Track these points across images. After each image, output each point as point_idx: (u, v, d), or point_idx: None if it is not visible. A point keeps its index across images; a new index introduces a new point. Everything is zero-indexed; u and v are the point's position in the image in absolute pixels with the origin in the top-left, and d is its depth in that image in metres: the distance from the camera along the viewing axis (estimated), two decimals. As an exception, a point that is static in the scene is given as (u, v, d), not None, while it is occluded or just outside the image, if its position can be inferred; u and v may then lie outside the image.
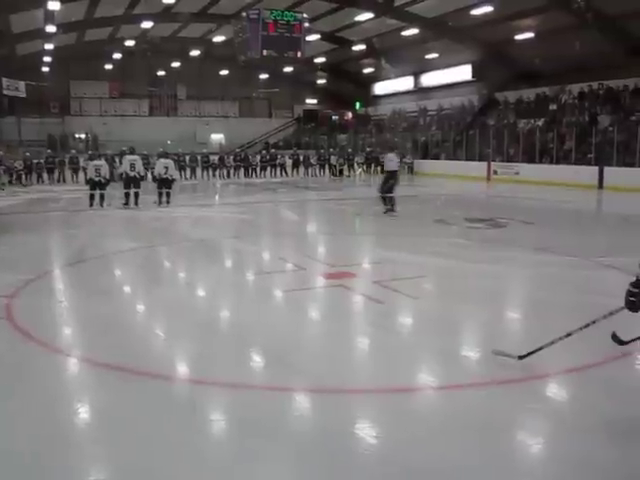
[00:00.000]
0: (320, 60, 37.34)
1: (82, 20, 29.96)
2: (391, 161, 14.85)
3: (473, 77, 32.26)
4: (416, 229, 12.33)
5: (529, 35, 25.69)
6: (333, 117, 45.09)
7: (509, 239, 11.06)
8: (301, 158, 30.23)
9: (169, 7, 28.20)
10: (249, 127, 42.54)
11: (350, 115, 44.80)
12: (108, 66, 38.37)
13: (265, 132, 43.87)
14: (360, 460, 3.34)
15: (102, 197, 15.81)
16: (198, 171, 28.37)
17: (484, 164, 26.68)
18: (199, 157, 28.71)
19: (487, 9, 24.54)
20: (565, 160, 23.46)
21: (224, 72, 39.86)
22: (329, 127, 43.30)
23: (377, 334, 5.51)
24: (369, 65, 38.64)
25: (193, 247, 10.56)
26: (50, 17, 25.63)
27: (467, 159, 28.33)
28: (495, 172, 26.04)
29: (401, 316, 6.22)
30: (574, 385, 4.38)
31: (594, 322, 4.16)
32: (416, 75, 36.76)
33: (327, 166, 29.88)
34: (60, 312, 6.40)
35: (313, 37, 28.67)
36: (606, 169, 20.98)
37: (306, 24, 24.71)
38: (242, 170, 29.06)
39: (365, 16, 28.81)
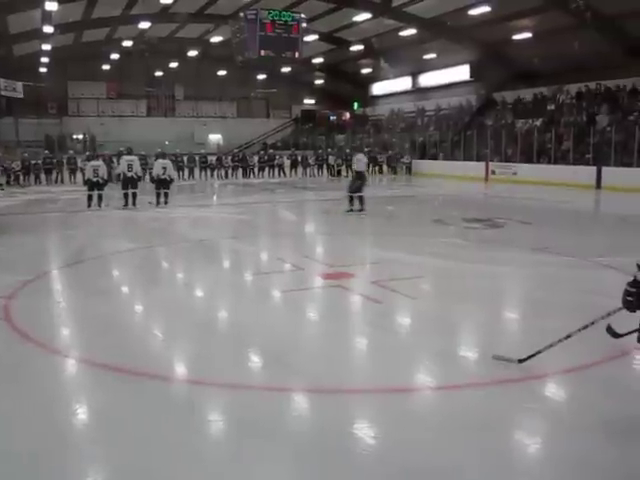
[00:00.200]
0: (318, 60, 37.34)
1: (79, 21, 29.93)
2: (359, 161, 15.28)
3: (471, 77, 32.28)
4: (414, 229, 12.33)
5: (527, 35, 25.70)
6: (331, 117, 45.10)
7: (507, 239, 11.06)
8: (299, 158, 30.24)
9: (166, 7, 28.19)
10: (247, 127, 42.52)
11: (348, 115, 44.80)
12: (106, 67, 38.34)
13: (263, 132, 43.86)
14: (358, 460, 3.34)
15: (100, 198, 15.79)
16: (196, 171, 28.37)
17: (482, 164, 26.71)
18: (197, 157, 28.71)
19: (485, 9, 24.54)
20: (563, 160, 23.49)
21: (222, 72, 39.84)
22: (327, 127, 43.31)
23: (375, 334, 5.52)
24: (367, 65, 38.65)
25: (191, 248, 10.56)
26: (47, 18, 25.59)
27: (465, 159, 28.35)
28: (493, 172, 26.06)
29: (399, 316, 6.22)
30: (572, 385, 4.39)
31: (592, 323, 4.16)
32: (414, 75, 36.78)
33: (325, 166, 29.86)
34: (58, 313, 6.40)
35: (311, 37, 28.66)
36: (604, 169, 21.01)
37: (304, 24, 24.68)
38: (240, 170, 29.07)
39: (363, 16, 28.82)
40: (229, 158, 29.74)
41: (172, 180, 16.77)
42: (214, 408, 4.08)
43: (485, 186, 24.60)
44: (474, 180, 25.68)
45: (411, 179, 28.45)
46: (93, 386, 4.41)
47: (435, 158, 30.69)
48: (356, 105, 44.41)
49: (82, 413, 3.99)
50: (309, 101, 47.00)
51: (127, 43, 32.96)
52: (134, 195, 15.96)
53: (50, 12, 24.42)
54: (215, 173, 28.87)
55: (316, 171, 30.12)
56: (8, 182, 24.55)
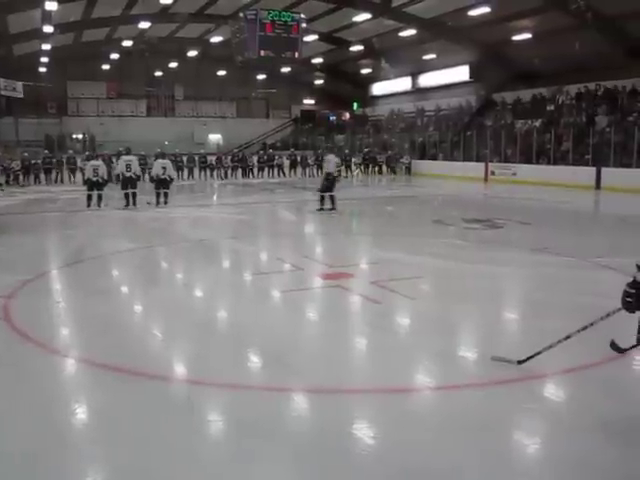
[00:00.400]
0: (318, 60, 37.34)
1: (79, 20, 29.92)
2: (329, 162, 15.58)
3: (471, 78, 32.27)
4: (413, 229, 12.33)
5: (526, 36, 25.70)
6: (331, 118, 45.09)
7: (506, 240, 11.07)
8: (298, 158, 30.24)
9: (166, 7, 28.18)
10: (247, 127, 42.51)
11: (348, 116, 44.79)
12: (105, 66, 38.33)
13: (263, 132, 43.85)
14: (358, 461, 3.34)
15: (100, 198, 15.79)
16: (196, 171, 28.37)
17: (481, 165, 26.71)
18: (197, 157, 28.70)
19: (484, 10, 24.54)
20: (562, 161, 23.49)
21: (221, 72, 39.84)
22: (327, 128, 43.31)
23: (374, 334, 5.52)
24: (367, 66, 38.64)
25: (191, 248, 10.56)
26: (47, 17, 25.59)
27: (464, 160, 28.36)
28: (492, 173, 26.07)
29: (398, 316, 6.23)
30: (572, 385, 4.39)
31: (592, 324, 4.17)
32: (414, 76, 36.77)
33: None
34: (58, 313, 6.40)
35: (311, 37, 28.66)
36: (603, 170, 21.02)
37: (304, 24, 24.67)
38: (240, 170, 29.06)
39: (363, 17, 28.81)
40: (229, 158, 29.74)
41: (172, 180, 16.78)
42: (213, 408, 4.09)
43: (485, 186, 24.61)
44: (474, 180, 25.69)
45: (410, 179, 28.45)
46: (92, 386, 4.42)
47: (435, 158, 30.69)
48: (356, 105, 44.40)
49: (81, 413, 3.99)
50: (309, 101, 47.00)
51: (127, 43, 32.94)
52: (134, 195, 15.97)
53: (50, 12, 24.41)
54: (215, 173, 28.87)
55: (315, 171, 30.10)
56: (8, 182, 24.54)
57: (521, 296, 7.27)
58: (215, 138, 42.20)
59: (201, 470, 3.25)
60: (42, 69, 35.36)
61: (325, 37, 33.19)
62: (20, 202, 18.68)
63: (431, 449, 3.44)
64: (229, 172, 28.97)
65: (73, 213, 15.40)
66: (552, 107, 27.28)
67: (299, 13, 24.90)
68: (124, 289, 7.79)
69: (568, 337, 4.25)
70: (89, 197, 15.79)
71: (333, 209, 14.66)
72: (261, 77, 41.45)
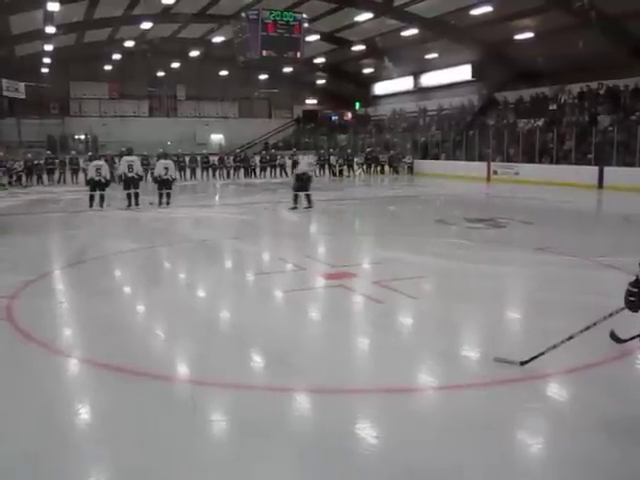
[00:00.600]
0: (320, 60, 37.34)
1: (81, 21, 29.95)
2: (300, 163, 16.29)
3: (473, 77, 32.24)
4: (416, 229, 12.32)
5: (529, 35, 25.68)
6: (333, 117, 45.08)
7: (509, 239, 11.06)
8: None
9: (168, 8, 28.19)
10: (249, 128, 42.51)
11: (350, 115, 44.77)
12: (108, 67, 38.37)
13: (265, 132, 43.86)
14: (361, 461, 3.34)
15: (102, 198, 15.81)
16: (198, 172, 28.40)
17: (484, 164, 26.68)
18: (199, 158, 28.72)
19: (487, 9, 24.53)
20: (565, 160, 23.46)
21: (224, 73, 39.85)
22: (329, 127, 43.30)
23: (377, 334, 5.51)
24: (369, 65, 38.64)
25: (193, 248, 10.56)
26: (49, 18, 25.62)
27: (467, 159, 28.32)
28: (495, 172, 26.04)
29: (401, 316, 6.22)
30: (575, 385, 4.38)
31: (595, 324, 4.16)
32: (416, 75, 36.74)
33: (327, 166, 29.87)
34: (60, 313, 6.41)
35: (312, 37, 28.64)
36: (606, 169, 20.98)
37: (305, 24, 24.66)
38: (242, 171, 29.08)
39: (364, 16, 28.80)
40: (231, 158, 29.75)
41: (174, 180, 16.79)
42: (216, 408, 4.08)
43: (487, 186, 24.58)
44: (476, 180, 25.66)
45: (413, 179, 28.44)
46: (95, 386, 4.42)
47: (437, 158, 30.67)
48: (358, 105, 44.38)
49: (84, 413, 3.99)
50: (311, 101, 47.00)
51: (129, 43, 32.97)
52: (136, 195, 15.99)
53: (52, 12, 24.44)
54: (217, 173, 28.89)
55: (318, 171, 30.10)
56: (10, 182, 24.57)
57: (524, 296, 7.26)
58: (217, 138, 42.23)
59: (204, 470, 3.25)
60: (44, 70, 35.40)
61: (327, 37, 33.18)
62: (23, 203, 18.70)
63: (434, 449, 3.44)
64: (231, 172, 28.99)
65: (75, 213, 15.41)
66: (554, 106, 27.24)
67: (301, 13, 24.89)
68: (126, 289, 7.79)
69: (571, 337, 4.24)
70: (91, 197, 15.80)
71: (309, 207, 15.07)
72: (263, 77, 41.46)
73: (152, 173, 18.15)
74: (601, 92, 25.67)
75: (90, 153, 23.96)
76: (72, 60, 35.96)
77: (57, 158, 27.58)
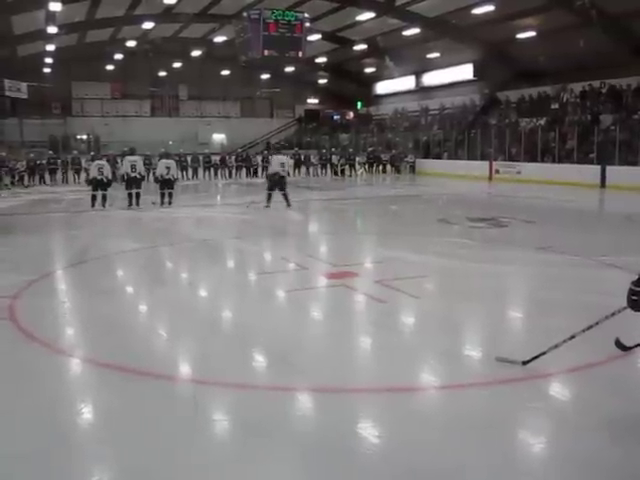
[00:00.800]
0: (321, 60, 37.33)
1: (83, 21, 29.99)
2: (271, 163, 16.58)
3: (475, 76, 32.23)
4: (418, 228, 12.33)
5: (530, 34, 25.64)
6: (335, 117, 45.08)
7: (511, 238, 11.06)
8: (302, 158, 30.26)
9: (170, 8, 28.20)
10: (251, 127, 42.52)
11: (352, 115, 44.77)
12: (109, 67, 38.42)
13: (267, 132, 43.85)
14: (363, 460, 3.34)
15: (104, 198, 15.82)
16: (200, 171, 28.42)
17: (486, 163, 26.68)
18: (201, 157, 28.75)
19: (488, 8, 24.50)
20: (567, 159, 23.45)
21: (225, 72, 39.87)
22: (331, 127, 43.30)
23: (379, 334, 5.51)
24: (370, 65, 38.64)
25: (195, 247, 10.57)
26: (51, 18, 25.65)
27: (469, 158, 28.33)
28: (497, 171, 26.03)
29: (403, 315, 6.22)
30: (577, 384, 4.38)
31: (597, 323, 4.15)
32: (417, 74, 36.74)
33: (329, 166, 29.88)
34: (63, 313, 6.42)
35: (314, 37, 28.64)
36: (608, 168, 20.96)
37: (307, 24, 24.66)
38: (244, 170, 29.08)
39: (366, 16, 28.79)
40: (233, 158, 29.76)
41: (176, 180, 16.80)
42: (218, 408, 4.09)
43: (489, 185, 24.57)
44: (478, 179, 25.65)
45: (415, 178, 28.44)
46: (98, 386, 4.42)
47: (439, 157, 30.66)
48: (360, 104, 44.38)
49: (87, 413, 4.00)
50: (313, 101, 47.00)
51: (131, 43, 32.98)
52: (137, 195, 16.01)
53: (54, 13, 24.47)
54: (219, 173, 28.91)
55: (320, 171, 30.11)
56: (13, 182, 24.58)
57: (526, 295, 7.25)
58: (219, 138, 42.26)
59: (206, 470, 3.25)
60: (46, 70, 35.44)
61: (329, 36, 33.18)
62: (25, 203, 18.72)
63: (437, 448, 3.43)
64: (233, 172, 29.00)
65: (78, 213, 15.42)
66: (556, 105, 27.22)
67: (303, 12, 24.90)
68: (129, 289, 7.79)
69: (573, 337, 4.24)
70: (93, 197, 15.81)
71: (288, 205, 15.40)
72: (265, 77, 41.47)
73: (154, 173, 18.16)
74: (603, 91, 25.64)
75: (92, 153, 24.02)
76: (74, 60, 36.00)
77: (59, 158, 27.64)
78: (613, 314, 4.03)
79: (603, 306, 4.28)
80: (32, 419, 3.80)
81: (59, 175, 26.68)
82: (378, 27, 30.51)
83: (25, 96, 34.54)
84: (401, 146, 33.30)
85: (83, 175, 24.30)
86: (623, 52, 23.09)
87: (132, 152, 17.07)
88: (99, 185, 15.82)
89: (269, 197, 15.66)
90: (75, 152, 29.17)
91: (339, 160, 29.88)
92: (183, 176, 26.28)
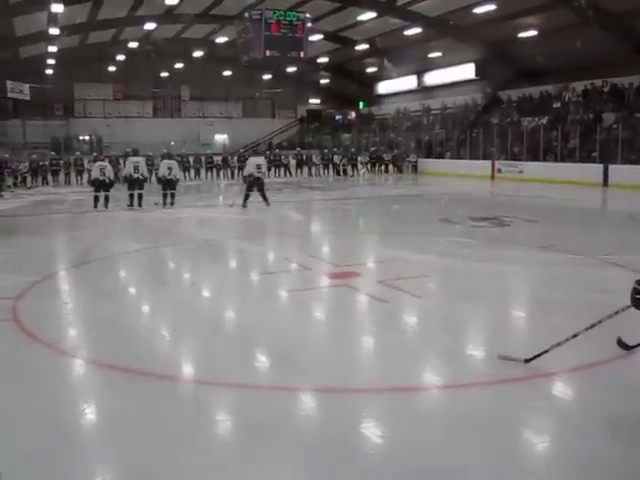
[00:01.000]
0: (323, 60, 37.33)
1: (85, 22, 30.02)
2: (247, 165, 16.70)
3: (476, 76, 32.22)
4: (420, 228, 12.32)
5: (532, 33, 25.63)
6: (336, 117, 45.09)
7: (513, 238, 11.05)
8: (304, 158, 30.27)
9: (172, 8, 28.25)
10: (253, 127, 42.54)
11: (353, 115, 44.77)
12: (111, 68, 38.47)
13: (269, 132, 43.90)
14: (366, 460, 3.34)
15: (106, 199, 15.84)
16: (202, 172, 28.44)
17: (488, 163, 26.66)
18: (203, 158, 28.77)
19: (490, 7, 24.48)
20: (569, 158, 23.43)
21: (227, 73, 39.90)
22: (332, 127, 43.30)
23: (382, 333, 5.51)
24: (372, 64, 38.64)
25: (197, 248, 10.57)
26: (53, 20, 25.68)
27: (471, 158, 28.32)
28: (499, 171, 26.02)
29: (406, 315, 6.21)
30: (580, 383, 4.37)
31: (600, 322, 4.14)
32: (419, 74, 36.73)
33: (331, 166, 29.88)
34: (65, 313, 6.42)
35: (316, 37, 28.63)
36: (611, 167, 20.93)
37: (309, 24, 24.65)
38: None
39: (368, 15, 28.79)
40: (235, 158, 29.77)
41: (178, 181, 16.81)
42: (221, 408, 4.09)
43: (491, 184, 24.55)
44: (480, 179, 25.63)
45: (417, 178, 28.43)
46: (101, 386, 4.43)
47: (441, 157, 30.65)
48: (361, 104, 44.37)
49: (90, 414, 4.00)
50: (314, 101, 47.01)
51: (133, 44, 33.03)
52: (140, 196, 16.02)
53: (56, 14, 24.49)
54: (221, 173, 28.92)
55: (322, 171, 30.12)
56: (15, 184, 24.65)
57: (528, 294, 7.25)
58: (221, 138, 42.29)
59: (209, 470, 3.25)
60: (48, 71, 35.51)
61: (330, 36, 33.17)
62: (28, 204, 18.75)
63: (439, 448, 3.43)
64: (235, 172, 29.01)
65: (80, 214, 15.44)
66: (559, 104, 27.19)
67: (304, 12, 24.88)
68: (131, 289, 7.81)
69: (575, 335, 4.23)
70: (96, 198, 15.83)
71: (267, 205, 15.74)
72: (267, 77, 41.51)
73: (156, 174, 18.18)
74: (605, 90, 25.60)
75: (95, 154, 24.04)
76: (76, 61, 36.06)
77: (62, 159, 27.66)
78: (616, 313, 4.02)
79: (606, 305, 4.28)
80: (35, 420, 3.81)
81: (61, 176, 26.73)
82: (380, 27, 30.53)
83: (27, 97, 34.56)
84: (403, 146, 33.30)
85: (85, 176, 24.36)
86: (625, 51, 23.05)
87: (134, 153, 17.09)
88: (101, 186, 15.84)
89: (246, 197, 15.92)
90: (77, 153, 29.23)
91: (341, 160, 29.88)
92: (185, 177, 26.30)
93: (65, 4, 22.84)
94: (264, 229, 13.18)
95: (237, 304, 6.87)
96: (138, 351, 5.04)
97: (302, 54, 24.55)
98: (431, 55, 32.79)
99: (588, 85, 26.20)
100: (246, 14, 24.41)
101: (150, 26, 29.90)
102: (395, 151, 32.05)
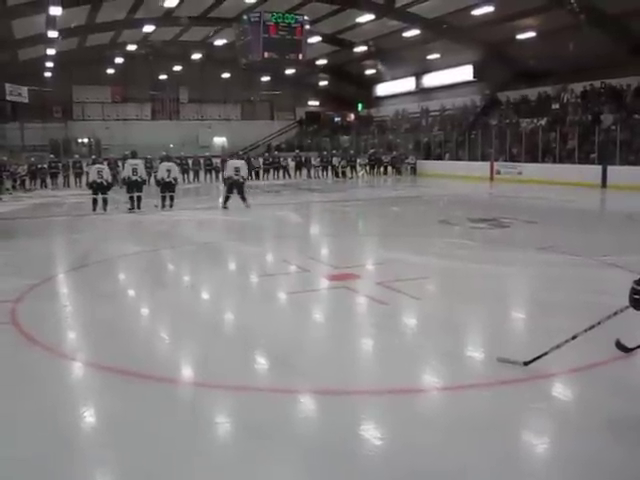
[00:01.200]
0: (322, 62, 37.38)
1: (84, 25, 30.02)
2: (227, 168, 16.89)
3: (475, 77, 32.25)
4: (419, 230, 12.32)
5: (530, 35, 25.68)
6: (335, 119, 45.13)
7: (512, 239, 11.05)
8: (303, 160, 30.29)
9: (170, 11, 28.29)
10: (251, 130, 42.59)
11: (352, 117, 44.81)
12: (110, 71, 38.49)
13: (267, 134, 43.93)
14: (365, 462, 3.33)
15: (105, 201, 15.83)
16: (201, 174, 28.44)
17: (487, 164, 26.67)
18: (202, 160, 28.76)
19: (488, 9, 24.53)
20: (568, 159, 23.44)
21: (226, 75, 39.94)
22: (331, 129, 43.33)
23: (381, 335, 5.51)
24: (371, 66, 38.68)
25: (196, 250, 10.57)
26: (52, 22, 25.67)
27: (470, 159, 28.33)
28: (498, 172, 26.03)
29: (405, 317, 6.21)
30: (580, 385, 4.37)
31: (599, 323, 4.14)
32: (418, 76, 36.76)
33: (329, 168, 29.89)
34: (64, 316, 6.41)
35: (314, 39, 28.68)
36: (609, 168, 20.95)
37: (307, 26, 24.67)
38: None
39: (366, 17, 28.85)
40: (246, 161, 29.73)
41: (177, 183, 16.81)
42: (220, 411, 4.08)
43: (490, 186, 24.56)
44: (479, 180, 25.64)
45: (416, 180, 28.43)
46: (100, 389, 4.42)
47: (440, 158, 30.66)
48: (360, 106, 44.41)
49: (89, 416, 3.99)
50: (313, 103, 47.06)
51: (131, 47, 33.10)
52: (139, 198, 16.01)
53: (54, 17, 24.48)
54: (220, 176, 28.88)
55: (321, 173, 30.13)
56: (14, 186, 24.64)
57: (527, 295, 7.25)
58: (220, 141, 42.31)
59: (207, 472, 3.25)
60: (47, 74, 35.54)
61: (329, 38, 33.23)
62: (26, 207, 18.75)
63: (439, 450, 3.43)
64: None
65: (79, 217, 15.42)
66: (557, 106, 27.21)
67: (303, 15, 24.91)
68: (130, 292, 7.80)
69: (575, 337, 4.23)
70: (94, 201, 15.82)
71: (247, 206, 16.00)
72: (265, 79, 41.53)
73: (155, 176, 18.18)
74: (603, 91, 25.63)
75: (93, 156, 24.04)
76: (75, 64, 36.09)
77: (60, 162, 27.65)
78: (615, 313, 4.02)
79: (605, 306, 4.28)
80: (34, 423, 3.80)
81: (60, 179, 26.71)
82: (378, 29, 30.57)
83: (26, 100, 34.60)
84: (402, 147, 33.32)
85: (84, 179, 24.34)
86: (623, 52, 23.07)
87: (133, 155, 17.08)
88: (99, 189, 15.81)
89: (226, 199, 16.24)
90: (76, 156, 29.22)
91: (340, 162, 29.89)
92: (184, 179, 26.30)
93: (64, 7, 22.83)
94: (263, 231, 13.17)
95: (236, 306, 6.86)
96: (137, 354, 5.04)
97: (301, 56, 24.58)
98: (429, 57, 32.85)
99: (587, 86, 26.23)
100: (244, 16, 24.45)
101: (149, 29, 29.95)
102: (394, 153, 32.06)
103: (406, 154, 31.59)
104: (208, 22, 31.75)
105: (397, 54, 33.83)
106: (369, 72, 39.43)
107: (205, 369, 4.76)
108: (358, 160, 30.87)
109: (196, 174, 28.35)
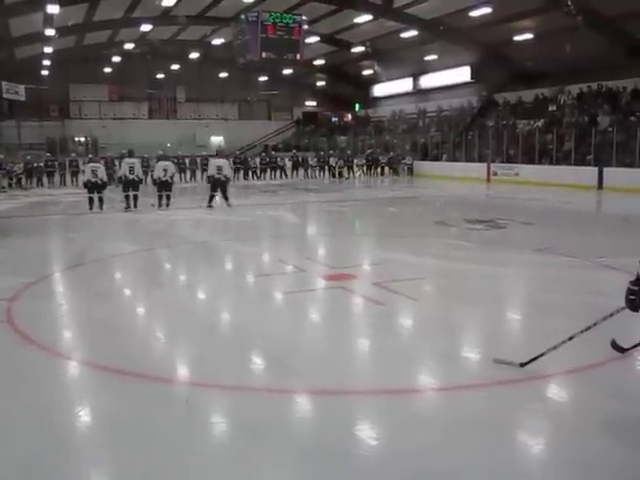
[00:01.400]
0: (319, 62, 37.38)
1: (81, 23, 29.99)
2: (209, 167, 17.18)
3: (472, 78, 32.26)
4: (416, 230, 12.32)
5: (528, 36, 25.71)
6: (332, 119, 45.13)
7: (509, 240, 11.06)
8: (300, 160, 30.28)
9: (168, 10, 28.23)
10: (248, 129, 42.57)
11: (349, 117, 44.82)
12: (107, 69, 38.44)
13: (264, 134, 43.90)
14: (361, 463, 3.33)
15: (101, 200, 15.80)
16: (198, 173, 28.39)
17: (484, 165, 26.69)
18: (199, 160, 28.71)
19: (485, 10, 24.56)
20: (565, 161, 23.46)
21: (223, 74, 39.91)
22: (328, 129, 43.32)
23: (377, 336, 5.51)
24: (368, 67, 38.68)
25: (193, 250, 10.56)
26: (49, 21, 25.64)
27: (467, 160, 28.35)
28: (495, 173, 26.05)
29: (401, 318, 6.21)
30: (576, 386, 4.37)
31: (595, 324, 4.15)
32: (415, 77, 36.77)
33: (326, 168, 29.89)
34: (60, 315, 6.40)
35: (312, 39, 28.68)
36: (606, 170, 20.98)
37: (305, 26, 24.70)
38: (242, 172, 29.06)
39: (364, 18, 28.85)
40: (231, 160, 29.71)
41: (173, 182, 16.79)
42: (216, 410, 4.08)
43: (487, 187, 24.58)
44: (476, 181, 25.66)
45: (412, 180, 28.44)
46: (95, 389, 4.41)
47: (437, 159, 30.68)
48: (357, 106, 44.42)
49: (84, 416, 3.98)
50: (310, 103, 47.06)
51: (129, 46, 33.03)
52: (135, 197, 15.98)
53: (52, 15, 24.45)
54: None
55: (317, 173, 30.13)
56: (10, 185, 24.60)
57: (524, 297, 7.26)
58: (217, 140, 42.25)
59: (203, 472, 3.24)
60: (44, 72, 35.44)
61: (326, 39, 33.22)
62: (23, 205, 18.71)
63: (435, 451, 3.43)
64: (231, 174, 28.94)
65: (75, 216, 15.38)
66: (554, 107, 27.25)
67: (300, 15, 24.93)
68: (126, 291, 7.79)
69: (571, 338, 4.23)
70: (91, 200, 15.79)
71: (228, 205, 16.28)
72: (263, 79, 41.51)
73: (152, 175, 18.15)
74: (600, 93, 25.68)
75: (90, 155, 23.98)
76: (72, 62, 36.02)
77: (57, 160, 27.62)
78: (611, 315, 4.03)
79: (601, 307, 4.28)
80: (29, 422, 3.79)
81: (57, 177, 26.67)
82: (376, 29, 30.56)
83: (23, 98, 34.53)
84: (399, 148, 33.33)
85: (81, 177, 24.30)
86: (620, 54, 23.10)
87: (130, 154, 17.04)
88: (94, 188, 15.78)
89: (211, 198, 16.35)
90: (73, 154, 29.16)
91: (337, 162, 29.87)
92: (181, 178, 26.26)
93: (61, 5, 22.81)
94: (259, 231, 13.16)
95: (232, 306, 6.85)
96: (133, 353, 5.03)
97: (298, 56, 24.60)
98: (427, 58, 32.88)
99: (583, 88, 26.27)
100: (242, 16, 24.44)
101: (146, 27, 29.88)
102: (391, 153, 32.06)
103: (403, 155, 31.60)
104: (206, 21, 31.71)
105: (395, 55, 33.83)
106: (367, 72, 39.42)
107: (201, 369, 4.76)
108: (355, 160, 30.85)
109: (193, 173, 28.31)
